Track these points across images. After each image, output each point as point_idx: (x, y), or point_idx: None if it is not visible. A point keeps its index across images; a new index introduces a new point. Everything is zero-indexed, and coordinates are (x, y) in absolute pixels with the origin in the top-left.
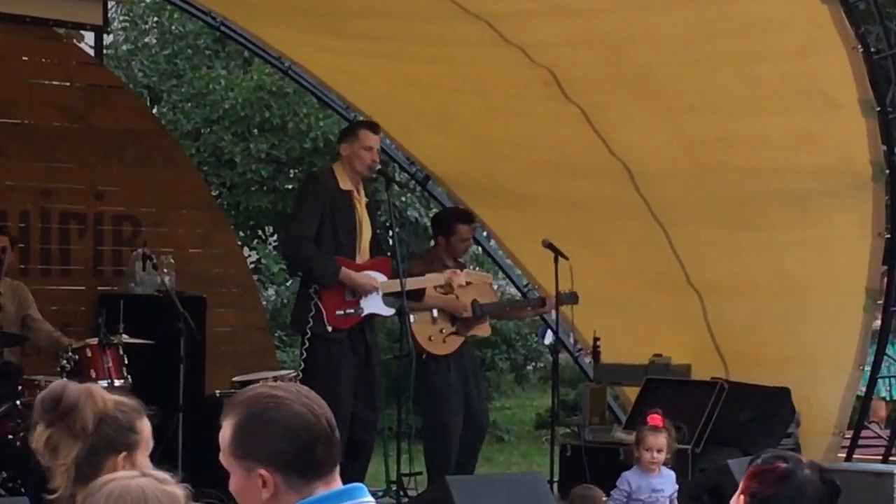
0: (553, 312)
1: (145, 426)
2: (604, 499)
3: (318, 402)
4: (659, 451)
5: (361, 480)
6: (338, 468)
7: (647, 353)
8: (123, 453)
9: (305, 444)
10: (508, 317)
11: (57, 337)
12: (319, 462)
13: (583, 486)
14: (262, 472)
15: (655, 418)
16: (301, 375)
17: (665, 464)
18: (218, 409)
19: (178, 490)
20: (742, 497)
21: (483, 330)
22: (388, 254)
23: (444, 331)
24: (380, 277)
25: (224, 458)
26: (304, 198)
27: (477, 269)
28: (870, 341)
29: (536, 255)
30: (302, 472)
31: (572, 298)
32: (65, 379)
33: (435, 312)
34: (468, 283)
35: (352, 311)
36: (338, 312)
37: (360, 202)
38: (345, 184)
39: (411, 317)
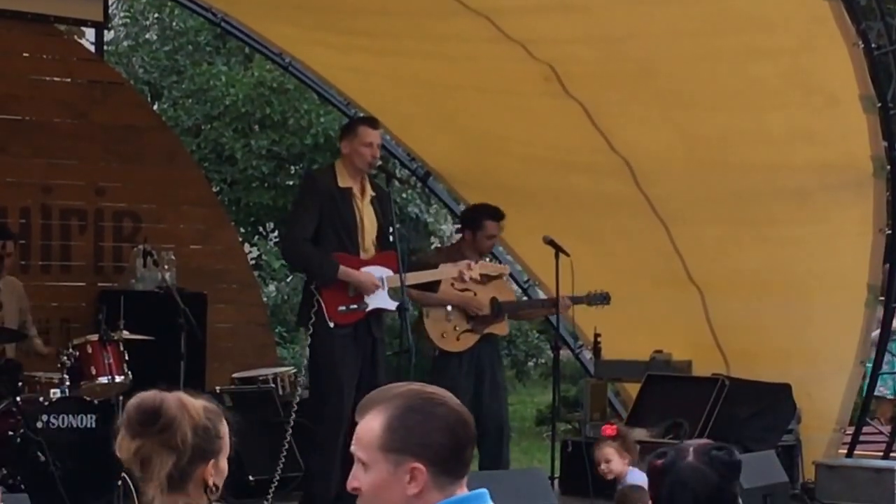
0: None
1: (226, 429)
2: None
3: (462, 405)
4: (607, 461)
5: None
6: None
7: (648, 349)
8: (212, 460)
9: (462, 443)
10: (529, 316)
11: (39, 345)
12: (465, 463)
13: (629, 486)
14: (416, 465)
15: (605, 428)
16: (305, 371)
17: (633, 465)
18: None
19: None
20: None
21: (501, 329)
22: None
23: (457, 328)
24: (385, 272)
25: (365, 451)
26: (301, 198)
27: (492, 261)
28: (871, 337)
29: (537, 252)
30: (451, 471)
31: (603, 299)
32: (154, 390)
33: (449, 308)
34: (483, 277)
35: (355, 306)
36: (340, 308)
37: (362, 198)
38: (344, 181)
39: (426, 312)
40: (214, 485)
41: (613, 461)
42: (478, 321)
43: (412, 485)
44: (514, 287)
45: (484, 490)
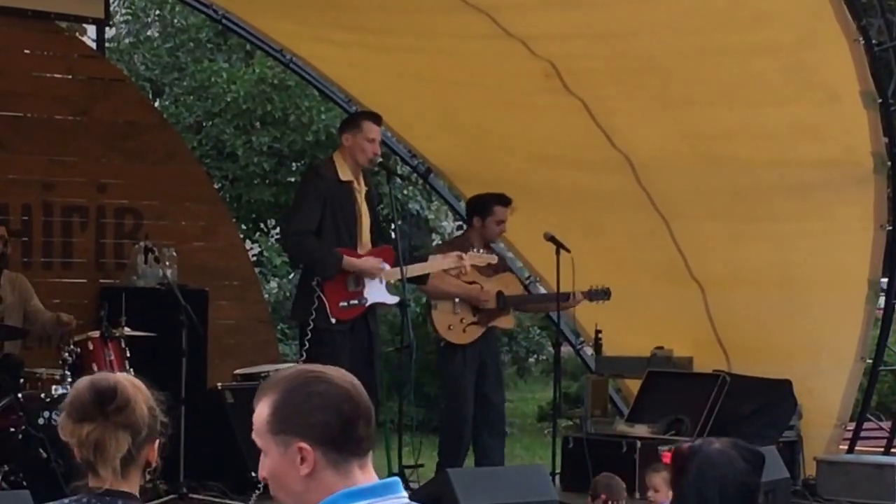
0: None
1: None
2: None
3: (356, 380)
4: (655, 490)
5: None
6: (371, 453)
7: (649, 345)
8: (157, 440)
9: (348, 418)
10: (535, 310)
11: (56, 316)
12: (360, 438)
13: (605, 475)
14: (302, 444)
15: (666, 455)
16: None
17: None
18: (220, 402)
19: None
20: (671, 491)
21: (506, 322)
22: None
23: (464, 320)
24: (383, 266)
25: (259, 438)
26: (305, 191)
27: (481, 251)
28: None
29: (538, 248)
30: (341, 448)
31: (604, 295)
32: (103, 372)
33: (456, 301)
34: (494, 270)
35: (355, 301)
36: (341, 304)
37: (361, 192)
38: (344, 174)
39: (433, 304)
40: (153, 465)
41: (661, 492)
42: (483, 314)
43: (303, 465)
44: None
45: (396, 479)
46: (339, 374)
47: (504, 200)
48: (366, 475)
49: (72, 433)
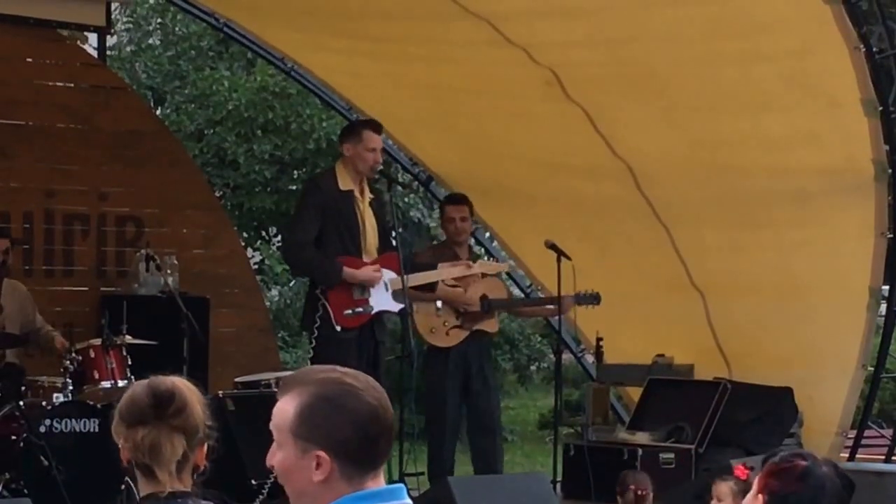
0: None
1: None
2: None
3: (384, 394)
4: (719, 500)
5: None
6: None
7: (650, 353)
8: (206, 443)
9: (372, 437)
10: (519, 314)
11: (51, 339)
12: (378, 455)
13: (630, 471)
14: (321, 454)
15: (739, 469)
16: None
17: None
18: (221, 410)
19: None
20: (761, 496)
21: (490, 325)
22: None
23: (447, 323)
24: (389, 274)
25: (278, 432)
26: (304, 202)
27: (491, 259)
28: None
29: (539, 256)
30: (360, 463)
31: (594, 299)
32: (159, 376)
33: (439, 304)
34: (483, 276)
35: (361, 309)
36: (346, 312)
37: (363, 201)
38: (345, 184)
39: (414, 306)
40: (202, 468)
41: (725, 502)
42: (467, 317)
43: (318, 472)
44: (517, 291)
45: (400, 485)
46: (370, 389)
47: (451, 199)
48: (375, 483)
49: (126, 436)
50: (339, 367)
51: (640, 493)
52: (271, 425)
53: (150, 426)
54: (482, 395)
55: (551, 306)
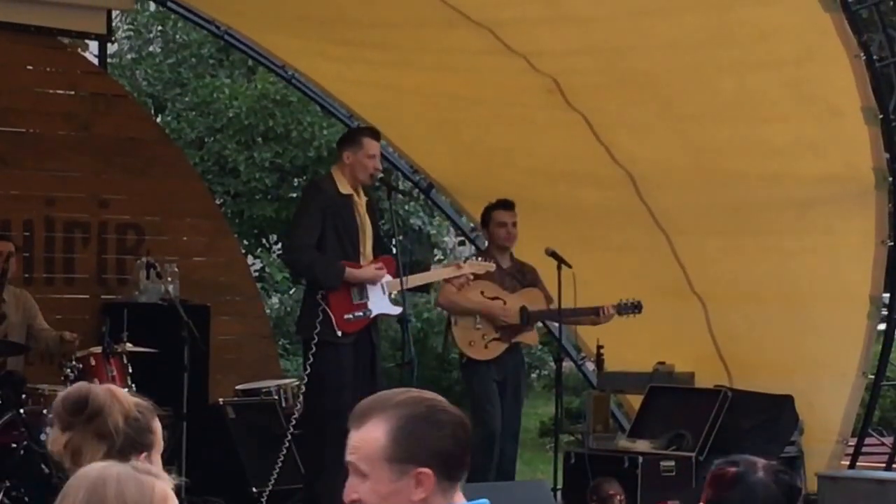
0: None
1: (158, 426)
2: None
3: (459, 409)
4: None
5: None
6: None
7: (651, 361)
8: (144, 453)
9: (465, 448)
10: (562, 322)
11: (60, 335)
12: (467, 466)
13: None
14: (423, 470)
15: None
16: (307, 382)
17: None
18: (221, 417)
19: (158, 482)
20: None
21: (530, 338)
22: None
23: (486, 336)
24: (385, 277)
25: (366, 462)
26: (305, 206)
27: (480, 259)
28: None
29: (540, 264)
30: (454, 476)
31: (635, 308)
32: (84, 382)
33: (478, 317)
34: (475, 277)
35: (360, 313)
36: (346, 316)
37: (361, 204)
38: (344, 188)
39: (454, 320)
40: None
41: None
42: (506, 330)
43: (419, 490)
44: None
45: (486, 500)
46: (449, 404)
47: (502, 204)
48: (458, 497)
49: (54, 442)
50: (410, 388)
51: (619, 498)
52: (352, 457)
53: (71, 432)
54: (510, 406)
55: (592, 316)
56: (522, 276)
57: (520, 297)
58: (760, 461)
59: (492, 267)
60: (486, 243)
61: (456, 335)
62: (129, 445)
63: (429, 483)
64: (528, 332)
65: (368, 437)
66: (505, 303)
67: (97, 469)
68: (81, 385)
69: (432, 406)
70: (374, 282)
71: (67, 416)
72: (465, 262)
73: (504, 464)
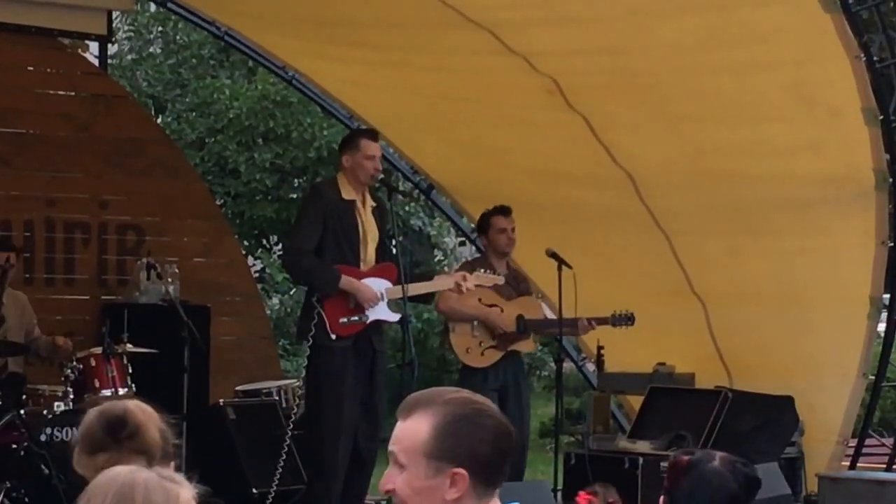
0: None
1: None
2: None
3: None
4: None
5: (366, 490)
6: None
7: (651, 361)
8: (173, 462)
9: (504, 455)
10: (555, 334)
11: (52, 340)
12: (505, 472)
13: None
14: (459, 471)
15: (583, 497)
16: (304, 384)
17: None
18: (222, 419)
19: (182, 490)
20: (663, 497)
21: (526, 346)
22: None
23: (482, 343)
24: (385, 283)
25: (406, 454)
26: (305, 210)
27: (488, 272)
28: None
29: (540, 265)
30: (491, 481)
31: (628, 320)
32: (111, 401)
33: (475, 324)
34: (495, 289)
35: (356, 318)
36: (341, 320)
37: (365, 211)
38: (347, 193)
39: (451, 326)
40: None
41: None
42: (503, 338)
43: (452, 490)
44: None
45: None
46: (497, 410)
47: (501, 210)
48: (494, 501)
49: (86, 465)
50: (461, 389)
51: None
52: (396, 448)
53: (108, 452)
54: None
55: (585, 327)
56: (517, 284)
57: (517, 306)
58: (719, 453)
59: (500, 280)
60: (483, 249)
61: (453, 342)
62: (162, 456)
63: (463, 484)
64: (525, 340)
65: (412, 429)
66: (502, 310)
67: (125, 473)
68: (115, 404)
69: (479, 409)
70: (366, 300)
71: (106, 436)
72: (472, 272)
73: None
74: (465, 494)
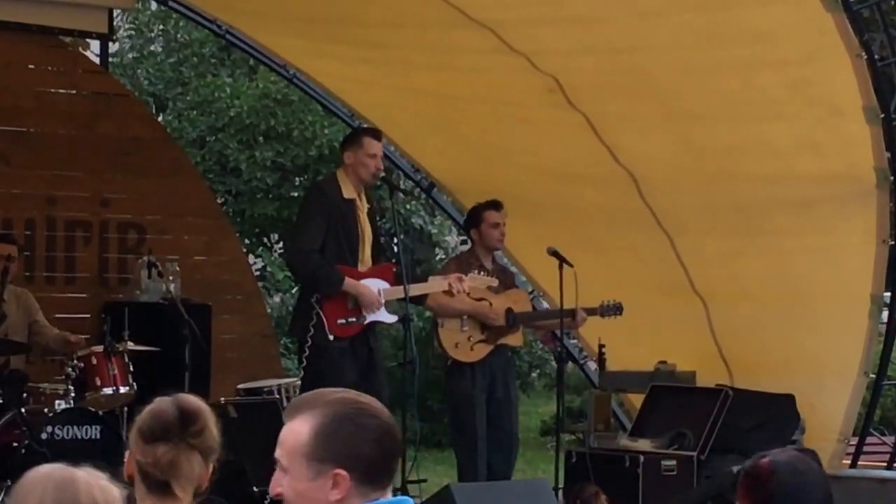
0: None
1: None
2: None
3: (391, 417)
4: None
5: None
6: None
7: (652, 360)
8: (212, 465)
9: (389, 455)
10: (543, 328)
11: (64, 336)
12: (391, 471)
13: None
14: (340, 472)
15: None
16: (302, 384)
17: None
18: (223, 417)
19: (114, 488)
20: None
21: (515, 339)
22: (392, 260)
23: (472, 338)
24: (382, 284)
25: (288, 457)
26: (309, 209)
27: (483, 273)
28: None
29: (541, 263)
30: (375, 480)
31: (616, 310)
32: (183, 394)
33: (464, 318)
34: (472, 288)
35: (354, 319)
36: (339, 321)
37: (363, 210)
38: (348, 192)
39: (440, 322)
40: (203, 487)
41: None
42: (492, 331)
43: (335, 491)
44: None
45: (407, 498)
46: (380, 408)
47: (493, 205)
48: (383, 496)
49: (143, 452)
50: (345, 389)
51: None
52: (279, 452)
53: (171, 443)
54: (503, 408)
55: (569, 319)
56: (504, 278)
57: (505, 299)
58: (787, 451)
59: (494, 282)
60: (471, 243)
61: (442, 337)
62: (212, 453)
63: (345, 485)
64: (514, 333)
65: (294, 430)
66: (491, 304)
67: (59, 469)
68: (187, 398)
69: (361, 409)
70: (368, 303)
71: (176, 427)
72: (461, 269)
73: (500, 468)
74: (347, 495)
